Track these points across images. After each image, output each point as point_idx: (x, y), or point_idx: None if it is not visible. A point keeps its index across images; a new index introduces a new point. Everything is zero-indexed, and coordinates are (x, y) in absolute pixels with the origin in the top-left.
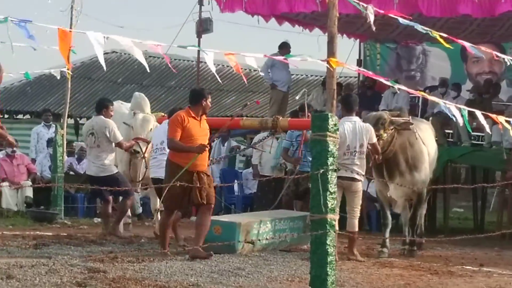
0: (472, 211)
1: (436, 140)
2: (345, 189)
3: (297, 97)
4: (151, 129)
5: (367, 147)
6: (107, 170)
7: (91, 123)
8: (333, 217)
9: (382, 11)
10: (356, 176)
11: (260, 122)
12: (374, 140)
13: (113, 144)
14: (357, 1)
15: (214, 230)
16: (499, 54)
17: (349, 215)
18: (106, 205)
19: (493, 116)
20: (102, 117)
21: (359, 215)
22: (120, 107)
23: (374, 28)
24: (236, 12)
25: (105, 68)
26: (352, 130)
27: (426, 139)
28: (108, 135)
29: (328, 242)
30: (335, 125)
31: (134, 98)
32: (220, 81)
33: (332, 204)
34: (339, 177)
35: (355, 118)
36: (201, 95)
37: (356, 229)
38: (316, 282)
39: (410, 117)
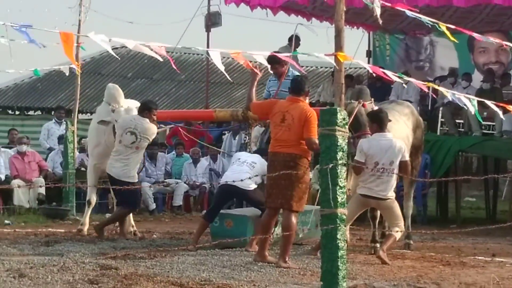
0: (484, 201)
1: (447, 130)
2: (376, 207)
3: None
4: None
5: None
6: (132, 177)
7: (131, 122)
8: (343, 212)
9: (389, 4)
10: (381, 196)
11: (231, 113)
12: (407, 158)
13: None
14: None
15: (226, 223)
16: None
17: (392, 228)
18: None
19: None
20: (147, 120)
21: (403, 229)
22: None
23: (381, 22)
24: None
25: (118, 57)
26: (384, 147)
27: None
28: (150, 141)
29: (338, 236)
30: (343, 119)
31: (108, 90)
32: (229, 78)
33: (342, 199)
34: (364, 195)
35: (389, 135)
36: (307, 82)
37: (397, 238)
38: (327, 277)
39: (372, 99)
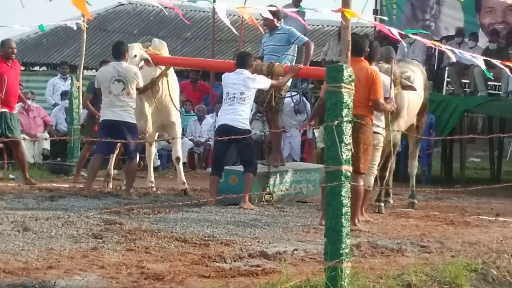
0: (489, 161)
1: (453, 90)
2: None
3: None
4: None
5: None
6: (133, 118)
7: (114, 70)
8: (348, 169)
9: None
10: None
11: (254, 67)
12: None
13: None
14: None
15: (231, 180)
16: None
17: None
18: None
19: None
20: (126, 62)
21: (376, 173)
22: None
23: None
24: None
25: None
26: None
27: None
28: (138, 81)
29: (343, 193)
30: (350, 76)
31: (153, 43)
32: (236, 32)
33: (347, 156)
34: None
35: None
36: (366, 41)
37: (370, 186)
38: (331, 233)
39: (394, 60)
